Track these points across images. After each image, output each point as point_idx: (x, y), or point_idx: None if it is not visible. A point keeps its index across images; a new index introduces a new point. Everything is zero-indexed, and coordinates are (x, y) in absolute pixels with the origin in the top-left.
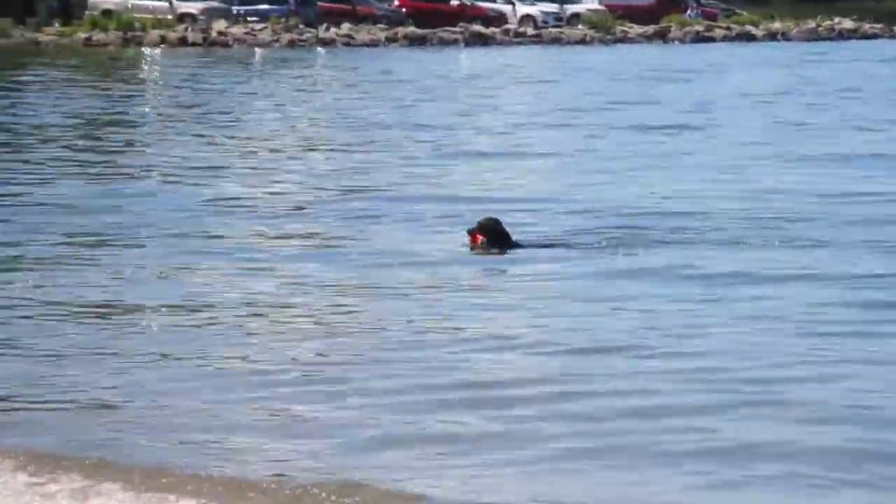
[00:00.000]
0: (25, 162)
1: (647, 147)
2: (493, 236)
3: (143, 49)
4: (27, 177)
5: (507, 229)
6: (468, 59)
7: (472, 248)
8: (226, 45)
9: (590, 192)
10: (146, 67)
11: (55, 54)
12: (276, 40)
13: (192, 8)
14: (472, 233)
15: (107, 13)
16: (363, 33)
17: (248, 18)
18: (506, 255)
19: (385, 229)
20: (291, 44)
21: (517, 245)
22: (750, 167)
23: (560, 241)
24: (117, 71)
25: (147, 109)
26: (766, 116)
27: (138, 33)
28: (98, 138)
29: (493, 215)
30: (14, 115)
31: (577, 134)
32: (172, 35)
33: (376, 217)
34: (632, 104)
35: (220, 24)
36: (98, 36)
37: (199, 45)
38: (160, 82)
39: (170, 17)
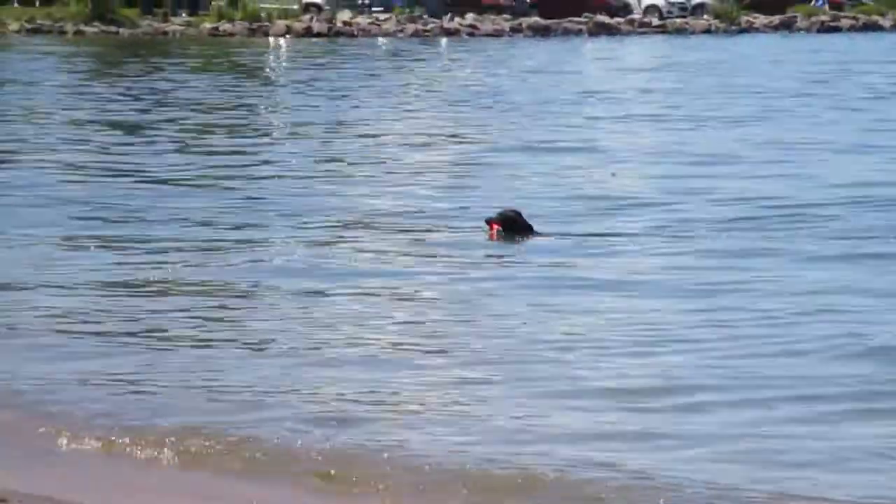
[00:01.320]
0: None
1: None
2: (509, 226)
3: (269, 39)
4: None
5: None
6: (601, 50)
7: (489, 238)
8: (350, 35)
9: None
10: (286, 57)
11: (183, 44)
12: (401, 30)
13: None
14: (490, 222)
15: (233, 3)
16: (487, 23)
17: (373, 9)
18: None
19: None
20: (416, 34)
21: (537, 234)
22: None
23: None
24: (265, 61)
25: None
26: None
27: (264, 23)
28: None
29: (516, 208)
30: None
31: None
32: (298, 25)
33: None
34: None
35: (344, 15)
36: (224, 26)
37: (324, 35)
38: (318, 73)
39: (295, 7)
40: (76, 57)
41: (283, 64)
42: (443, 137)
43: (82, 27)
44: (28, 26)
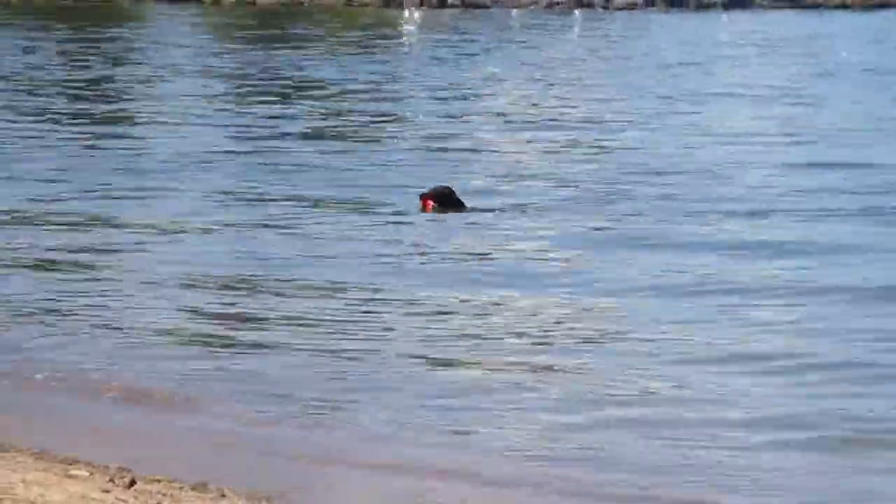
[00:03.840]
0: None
1: None
2: (442, 201)
3: (403, 11)
4: None
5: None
6: (739, 22)
7: (422, 211)
8: (484, 6)
9: None
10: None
11: (317, 14)
12: (535, 2)
13: None
14: (423, 198)
15: None
16: None
17: None
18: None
19: None
20: (549, 6)
21: (469, 210)
22: None
23: None
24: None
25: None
26: None
27: None
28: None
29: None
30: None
31: None
32: None
33: None
34: None
35: None
36: None
37: (457, 6)
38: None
39: None
40: (234, 28)
41: (420, 34)
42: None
43: None
44: None
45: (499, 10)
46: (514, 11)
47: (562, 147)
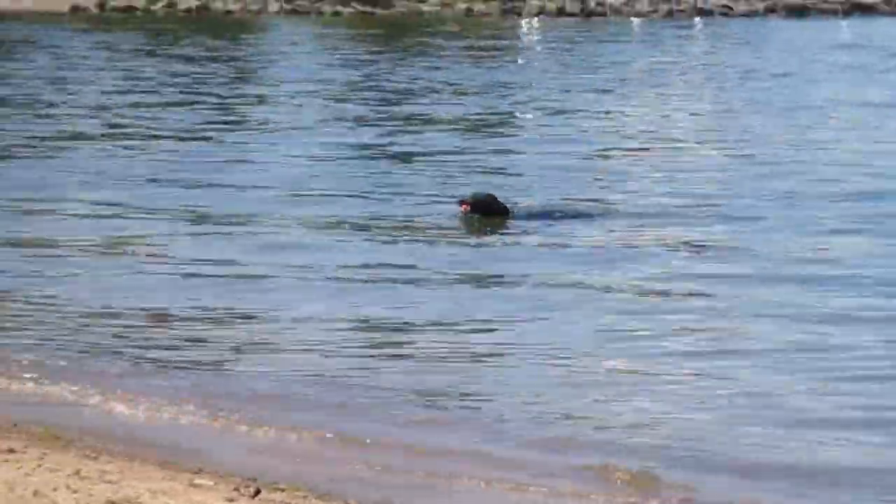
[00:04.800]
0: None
1: None
2: (479, 206)
3: (522, 20)
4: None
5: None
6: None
7: (462, 216)
8: (602, 14)
9: None
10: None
11: (437, 24)
12: (654, 10)
13: None
14: (462, 202)
15: None
16: (741, 3)
17: None
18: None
19: None
20: (669, 14)
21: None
22: None
23: None
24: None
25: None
26: None
27: (517, 3)
28: None
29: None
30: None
31: None
32: (550, 5)
33: None
34: None
35: None
36: (479, 7)
37: (577, 15)
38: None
39: None
40: (360, 40)
41: (541, 44)
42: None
43: (339, 8)
44: (287, 7)
45: (618, 18)
46: (635, 20)
47: (732, 164)
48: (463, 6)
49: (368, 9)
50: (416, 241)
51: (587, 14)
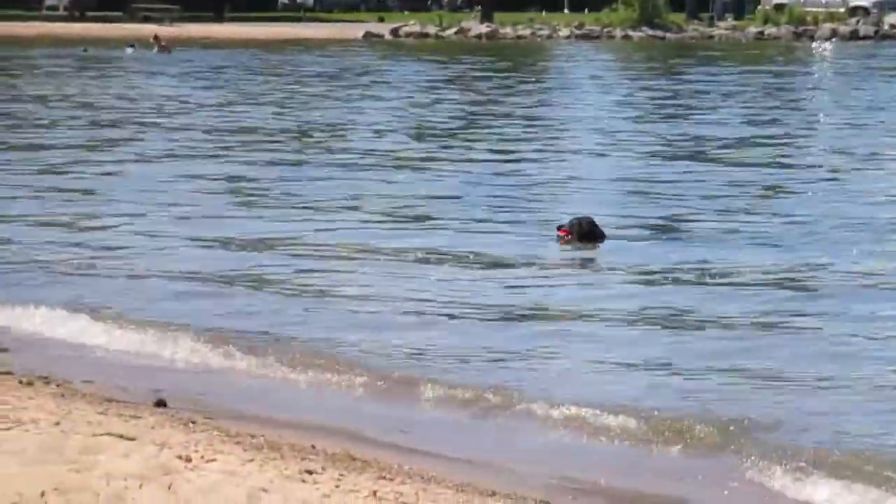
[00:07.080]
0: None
1: None
2: (578, 232)
3: (812, 43)
4: None
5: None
6: None
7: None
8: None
9: None
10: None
11: (728, 48)
12: None
13: (864, 1)
14: (561, 228)
15: (779, 7)
16: None
17: None
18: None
19: None
20: None
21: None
22: None
23: None
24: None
25: None
26: None
27: (809, 27)
28: None
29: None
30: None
31: None
32: (843, 28)
33: None
34: None
35: (892, 17)
36: (770, 30)
37: (870, 38)
38: None
39: (842, 10)
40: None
41: (832, 65)
42: None
43: (629, 32)
44: (577, 32)
45: None
46: None
47: None
48: (754, 30)
49: (659, 33)
50: None
51: (881, 37)
